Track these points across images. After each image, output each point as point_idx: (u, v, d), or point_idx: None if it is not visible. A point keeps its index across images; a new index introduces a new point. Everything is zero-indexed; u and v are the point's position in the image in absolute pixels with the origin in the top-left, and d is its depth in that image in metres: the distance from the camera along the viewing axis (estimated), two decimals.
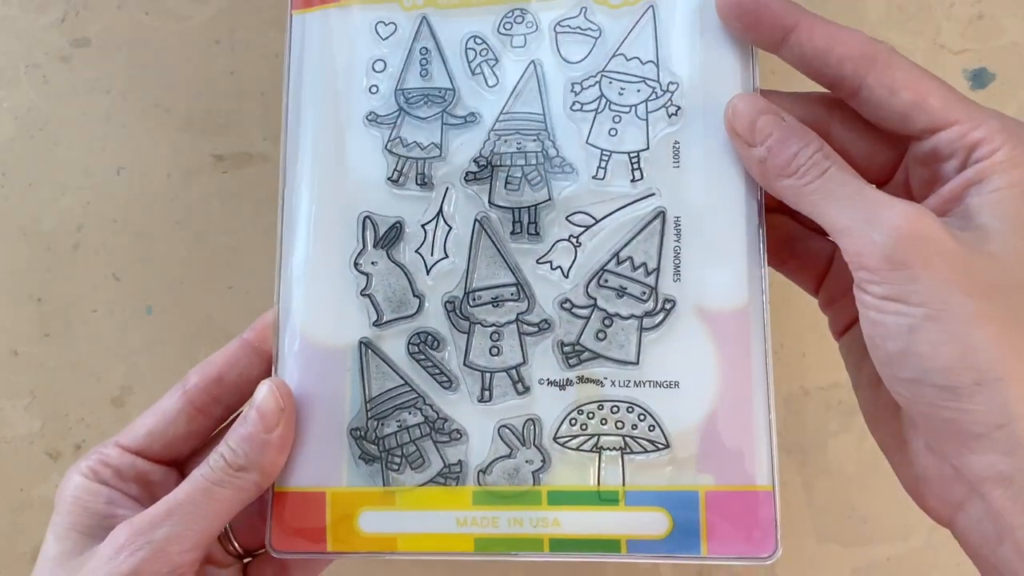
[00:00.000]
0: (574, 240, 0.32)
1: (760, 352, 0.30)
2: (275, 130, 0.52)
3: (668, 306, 0.31)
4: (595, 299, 0.32)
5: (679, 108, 0.31)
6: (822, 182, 0.27)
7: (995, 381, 0.24)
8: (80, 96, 0.52)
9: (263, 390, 0.30)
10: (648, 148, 0.32)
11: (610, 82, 0.32)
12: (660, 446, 0.31)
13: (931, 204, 0.27)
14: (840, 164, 0.28)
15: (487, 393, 0.32)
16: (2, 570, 0.52)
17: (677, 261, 0.31)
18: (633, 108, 0.32)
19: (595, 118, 0.33)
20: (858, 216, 0.26)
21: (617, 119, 0.32)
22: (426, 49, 0.34)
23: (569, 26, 0.33)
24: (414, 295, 0.32)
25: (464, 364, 0.32)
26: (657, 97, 0.32)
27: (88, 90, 0.52)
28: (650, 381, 0.31)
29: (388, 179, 0.33)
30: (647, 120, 0.32)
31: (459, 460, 0.32)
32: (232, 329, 0.52)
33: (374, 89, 0.34)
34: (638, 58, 0.32)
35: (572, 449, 0.31)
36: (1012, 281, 0.25)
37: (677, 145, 0.31)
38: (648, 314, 0.31)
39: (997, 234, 0.25)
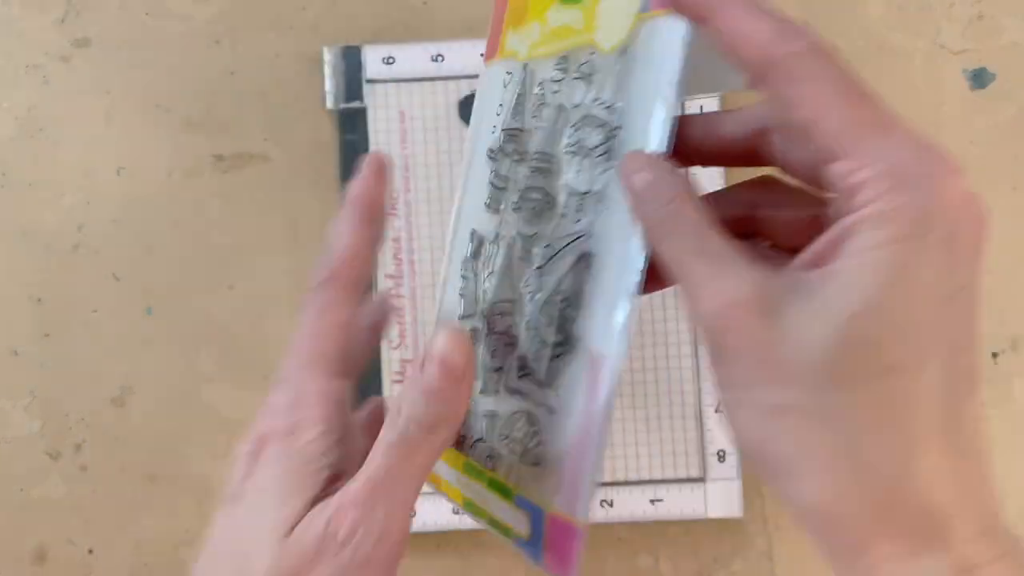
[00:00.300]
0: (539, 270, 0.35)
1: (609, 400, 0.32)
2: (275, 131, 0.52)
3: (567, 341, 0.33)
4: (539, 324, 0.35)
5: (612, 151, 0.32)
6: (668, 244, 0.26)
7: (788, 473, 0.23)
8: (80, 96, 0.52)
9: (444, 341, 0.29)
10: (590, 191, 0.33)
11: (583, 126, 0.34)
12: (538, 462, 0.34)
13: (807, 256, 0.24)
14: (687, 222, 0.25)
15: (484, 387, 0.36)
16: (3, 570, 0.52)
17: (583, 301, 0.33)
18: (591, 151, 0.33)
19: (572, 159, 0.35)
20: (689, 287, 0.25)
21: (582, 161, 0.34)
22: (520, 95, 0.38)
23: (580, 71, 0.35)
24: (475, 300, 0.37)
25: (479, 362, 0.37)
26: (605, 141, 0.33)
27: (88, 90, 0.52)
28: (546, 405, 0.34)
29: (485, 204, 0.38)
30: (596, 162, 0.33)
31: (464, 433, 0.36)
32: (233, 329, 0.52)
33: (493, 129, 0.38)
34: (603, 101, 0.33)
35: (504, 446, 0.35)
36: (816, 367, 0.22)
37: (605, 189, 0.33)
38: (557, 344, 0.34)
39: (821, 312, 0.22)
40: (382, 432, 0.29)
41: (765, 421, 0.23)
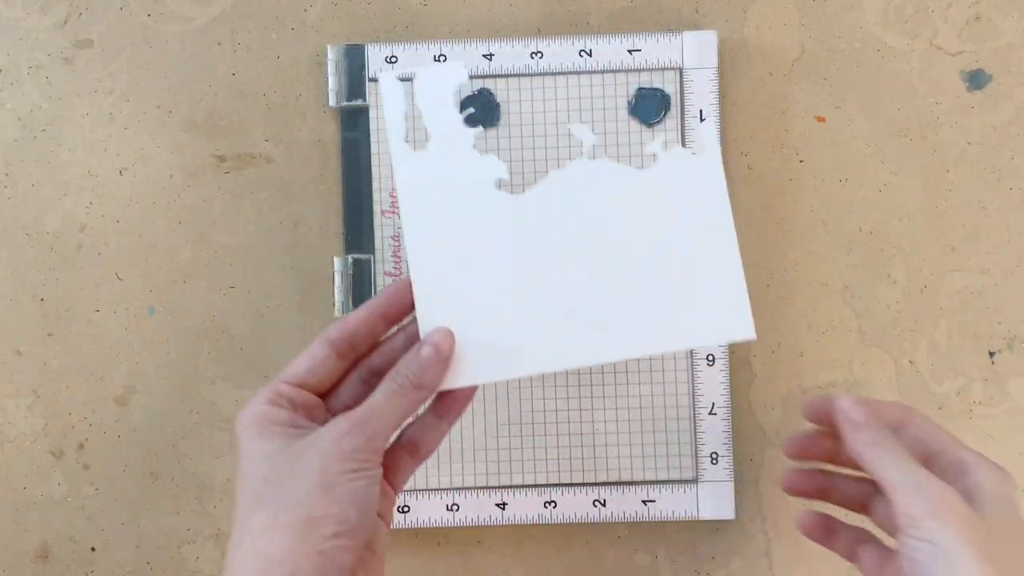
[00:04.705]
0: None
1: None
2: (276, 131, 0.52)
3: None
4: None
5: None
6: (891, 454, 0.39)
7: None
8: (83, 97, 0.52)
9: (441, 333, 0.41)
10: None
11: None
12: None
13: (942, 470, 0.40)
14: (901, 446, 0.40)
15: None
16: (5, 568, 0.52)
17: None
18: None
19: None
20: (910, 481, 0.38)
21: None
22: None
23: None
24: None
25: None
26: None
27: (91, 91, 0.52)
28: None
29: None
30: None
31: None
32: (234, 329, 0.52)
33: None
34: None
35: None
36: (1002, 544, 0.37)
37: None
38: None
39: (988, 511, 0.38)
40: (383, 382, 0.40)
41: (971, 565, 0.36)
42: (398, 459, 0.43)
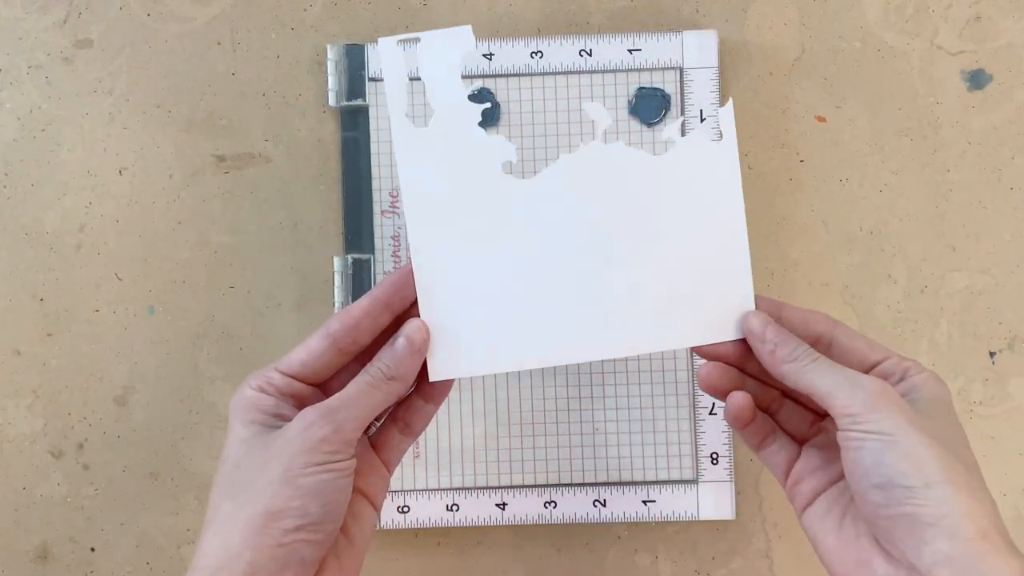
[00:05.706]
0: None
1: None
2: (276, 131, 0.52)
3: None
4: None
5: None
6: (814, 364, 0.39)
7: (939, 484, 0.35)
8: (82, 97, 0.52)
9: (414, 325, 0.41)
10: None
11: None
12: None
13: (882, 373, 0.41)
14: (818, 354, 0.40)
15: None
16: (5, 568, 0.52)
17: None
18: None
19: None
20: (842, 383, 0.38)
21: None
22: None
23: None
24: None
25: None
26: None
27: (90, 91, 0.52)
28: None
29: None
30: None
31: None
32: (233, 329, 0.52)
33: None
34: None
35: None
36: (939, 432, 0.37)
37: None
38: None
39: (926, 408, 0.38)
40: (359, 374, 0.41)
41: (919, 451, 0.36)
42: (390, 436, 0.43)
